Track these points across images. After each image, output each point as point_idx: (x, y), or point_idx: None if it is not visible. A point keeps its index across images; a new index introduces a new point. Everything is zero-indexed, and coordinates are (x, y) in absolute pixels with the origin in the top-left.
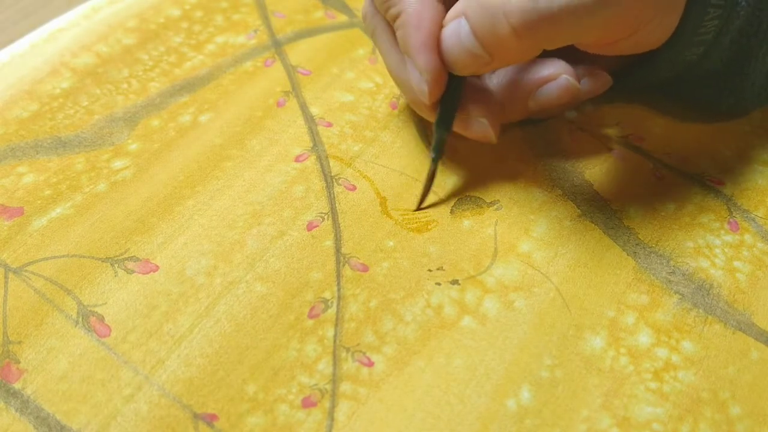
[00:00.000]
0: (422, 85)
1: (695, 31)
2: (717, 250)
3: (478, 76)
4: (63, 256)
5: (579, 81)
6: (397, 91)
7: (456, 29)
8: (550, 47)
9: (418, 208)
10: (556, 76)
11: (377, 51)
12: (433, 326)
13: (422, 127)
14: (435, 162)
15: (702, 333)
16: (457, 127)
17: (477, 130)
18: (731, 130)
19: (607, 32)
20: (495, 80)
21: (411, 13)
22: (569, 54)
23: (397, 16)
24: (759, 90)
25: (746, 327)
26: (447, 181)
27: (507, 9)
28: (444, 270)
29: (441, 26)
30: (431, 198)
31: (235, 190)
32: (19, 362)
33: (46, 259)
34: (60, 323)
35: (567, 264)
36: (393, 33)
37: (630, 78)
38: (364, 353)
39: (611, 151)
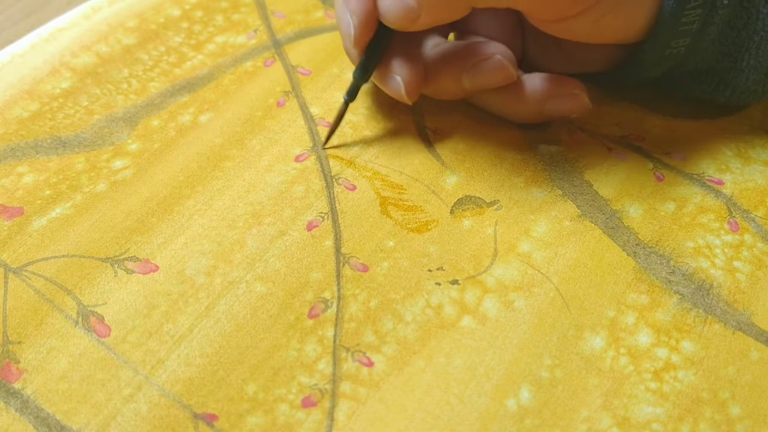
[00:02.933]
0: (349, 28)
1: (678, 21)
2: (717, 250)
3: (413, 41)
4: (63, 256)
5: (557, 98)
6: None
7: None
8: (479, 4)
9: (324, 146)
10: (491, 56)
11: None
12: (433, 326)
13: (422, 127)
14: (345, 104)
15: (702, 333)
16: (375, 78)
17: (391, 86)
18: (731, 130)
19: (541, 1)
20: (433, 51)
21: None
22: (560, 67)
23: None
24: (754, 85)
25: (746, 327)
26: (447, 181)
27: None
28: (444, 270)
29: None
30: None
31: (235, 190)
32: (19, 362)
33: (46, 259)
34: (60, 323)
35: (567, 264)
36: None
37: (623, 75)
38: (364, 353)
39: (611, 151)
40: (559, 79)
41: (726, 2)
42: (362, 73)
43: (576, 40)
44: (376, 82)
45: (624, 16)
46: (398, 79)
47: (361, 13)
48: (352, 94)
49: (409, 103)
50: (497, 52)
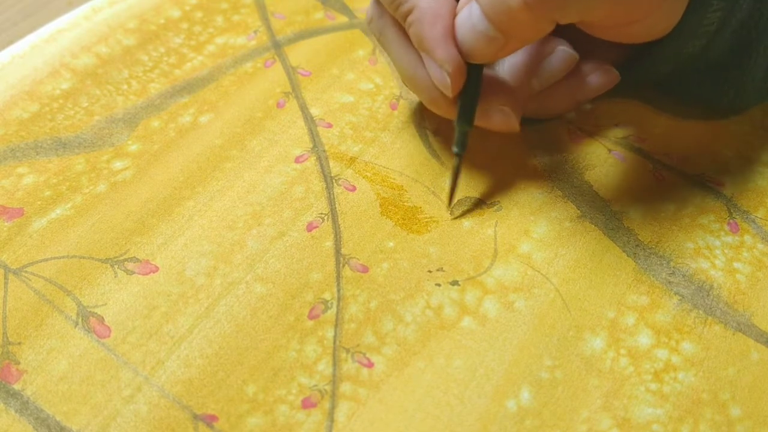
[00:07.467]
0: (444, 78)
1: (699, 23)
2: (717, 252)
3: (491, 67)
4: (63, 257)
5: (588, 76)
6: (396, 91)
7: (467, 15)
8: (562, 20)
9: (449, 206)
10: (553, 49)
11: (378, 52)
12: (433, 327)
13: (422, 128)
14: (459, 157)
15: (702, 334)
16: (478, 120)
17: (499, 120)
18: (732, 131)
19: (616, 9)
20: (504, 69)
21: (424, 8)
22: (578, 51)
23: (408, 13)
24: (759, 84)
25: (746, 328)
26: (447, 182)
27: None
28: (444, 271)
29: (455, 17)
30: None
31: (235, 191)
32: (19, 363)
33: (46, 260)
34: (60, 324)
35: (567, 265)
36: (403, 32)
37: (632, 71)
38: (364, 354)
39: (611, 152)
40: (587, 60)
41: (744, 6)
42: (468, 120)
43: (622, 42)
44: (478, 123)
45: (668, 19)
46: (507, 110)
47: (454, 59)
48: (462, 146)
49: (518, 130)
50: (557, 44)
